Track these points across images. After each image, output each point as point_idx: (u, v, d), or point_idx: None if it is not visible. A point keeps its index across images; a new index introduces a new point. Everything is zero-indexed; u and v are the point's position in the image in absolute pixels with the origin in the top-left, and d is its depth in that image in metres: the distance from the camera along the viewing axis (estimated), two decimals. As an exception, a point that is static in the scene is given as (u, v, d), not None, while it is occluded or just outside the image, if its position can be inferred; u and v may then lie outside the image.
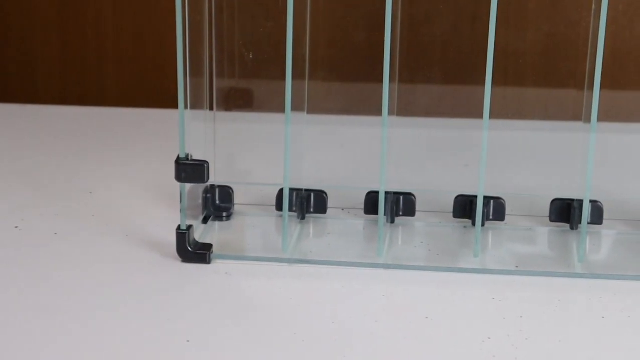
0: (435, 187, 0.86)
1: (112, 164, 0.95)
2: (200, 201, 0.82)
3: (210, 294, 0.71)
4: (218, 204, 0.83)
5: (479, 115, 0.73)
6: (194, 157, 0.75)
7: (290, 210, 0.80)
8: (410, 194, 0.82)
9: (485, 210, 0.80)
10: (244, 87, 0.84)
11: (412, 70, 0.93)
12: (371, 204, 0.81)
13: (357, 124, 0.93)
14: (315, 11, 0.81)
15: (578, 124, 0.77)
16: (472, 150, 0.76)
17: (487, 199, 0.80)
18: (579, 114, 0.77)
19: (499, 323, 0.68)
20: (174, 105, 0.76)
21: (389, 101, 0.73)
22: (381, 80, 0.73)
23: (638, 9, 0.93)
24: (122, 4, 1.11)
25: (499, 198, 0.80)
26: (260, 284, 0.73)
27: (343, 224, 0.82)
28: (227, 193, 0.83)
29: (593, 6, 0.73)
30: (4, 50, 1.15)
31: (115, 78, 1.13)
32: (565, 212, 0.80)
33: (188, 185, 0.76)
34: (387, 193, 0.78)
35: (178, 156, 0.74)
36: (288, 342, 0.65)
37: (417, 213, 0.82)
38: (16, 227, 0.82)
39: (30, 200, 0.87)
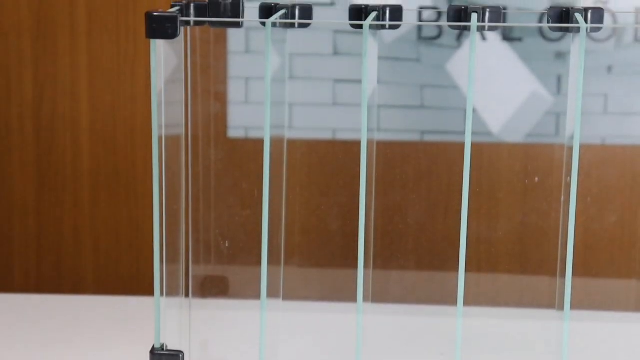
0: (411, 376, 0.85)
1: (86, 354, 0.94)
2: (175, 390, 0.81)
3: None
4: (192, 393, 0.82)
5: (453, 302, 0.73)
6: (169, 347, 0.75)
7: (265, 399, 0.79)
8: (385, 383, 0.81)
9: (461, 399, 0.79)
10: (219, 274, 0.84)
11: (386, 257, 0.94)
12: (346, 392, 0.81)
13: (333, 311, 0.93)
14: (291, 199, 0.82)
15: (552, 312, 0.78)
16: (447, 337, 0.76)
17: (462, 387, 0.79)
18: (552, 302, 0.78)
19: None
20: (149, 291, 0.76)
21: (363, 288, 0.74)
22: (355, 267, 0.73)
23: (606, 202, 0.95)
24: (99, 190, 1.12)
25: (474, 386, 0.80)
26: None
27: (319, 413, 0.81)
28: (201, 381, 0.82)
29: (562, 197, 0.75)
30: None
31: (91, 266, 1.14)
32: (541, 400, 0.80)
33: (163, 375, 0.75)
34: (362, 382, 0.78)
35: (153, 346, 0.74)
36: None
37: (393, 402, 0.81)
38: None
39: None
